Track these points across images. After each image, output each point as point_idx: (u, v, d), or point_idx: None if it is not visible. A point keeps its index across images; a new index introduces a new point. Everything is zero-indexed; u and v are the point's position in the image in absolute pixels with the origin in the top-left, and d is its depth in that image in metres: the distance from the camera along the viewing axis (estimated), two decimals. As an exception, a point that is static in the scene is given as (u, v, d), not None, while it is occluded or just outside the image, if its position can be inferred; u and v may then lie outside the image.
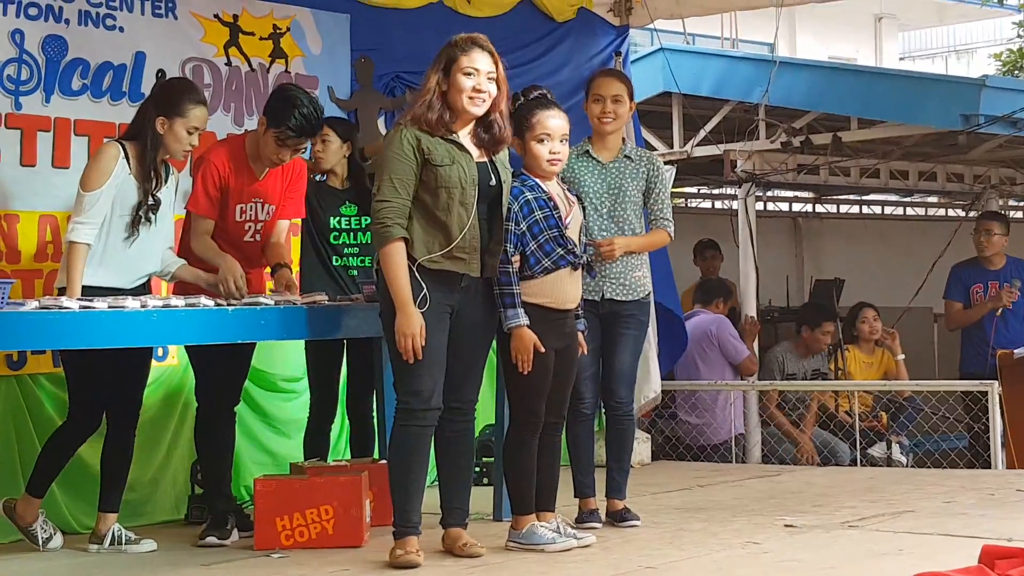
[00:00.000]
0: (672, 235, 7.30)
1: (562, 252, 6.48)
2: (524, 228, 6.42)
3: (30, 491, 6.65)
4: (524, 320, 6.31)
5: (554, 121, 6.54)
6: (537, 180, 6.54)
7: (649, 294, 7.37)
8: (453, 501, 6.42)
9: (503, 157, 6.37)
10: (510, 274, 6.31)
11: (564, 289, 6.53)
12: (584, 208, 6.92)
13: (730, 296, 11.25)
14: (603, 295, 7.18)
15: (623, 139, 7.48)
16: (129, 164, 6.54)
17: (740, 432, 10.52)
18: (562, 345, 6.53)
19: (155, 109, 6.60)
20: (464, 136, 6.26)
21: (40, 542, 6.62)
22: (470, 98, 6.22)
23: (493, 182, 6.25)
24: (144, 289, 6.66)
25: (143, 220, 6.56)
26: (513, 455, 6.58)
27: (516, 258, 6.38)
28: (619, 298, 7.20)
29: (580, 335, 6.66)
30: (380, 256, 6.08)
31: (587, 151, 7.30)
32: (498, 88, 6.29)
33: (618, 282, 7.19)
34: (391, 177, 6.07)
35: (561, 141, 6.55)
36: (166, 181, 6.72)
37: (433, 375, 6.10)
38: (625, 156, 7.29)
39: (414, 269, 6.06)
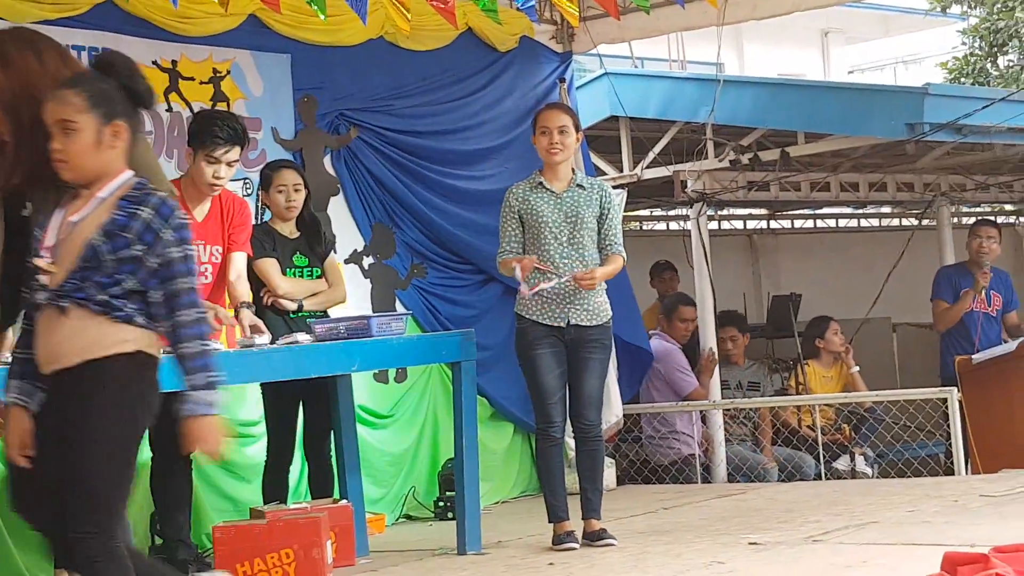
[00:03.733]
0: (624, 260, 7.45)
1: None
2: None
3: None
4: None
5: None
6: None
7: (610, 319, 7.47)
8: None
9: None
10: None
11: None
12: (543, 238, 7.19)
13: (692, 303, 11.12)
14: (568, 321, 7.31)
15: (572, 169, 7.57)
16: None
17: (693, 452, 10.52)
18: None
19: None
20: None
21: None
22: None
23: None
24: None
25: None
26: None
27: None
28: (584, 323, 7.33)
29: None
30: None
31: (540, 182, 7.43)
32: None
33: (582, 308, 7.31)
34: None
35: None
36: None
37: None
38: (577, 185, 7.43)
39: None
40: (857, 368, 11.32)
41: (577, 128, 7.50)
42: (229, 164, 6.97)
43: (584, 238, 7.34)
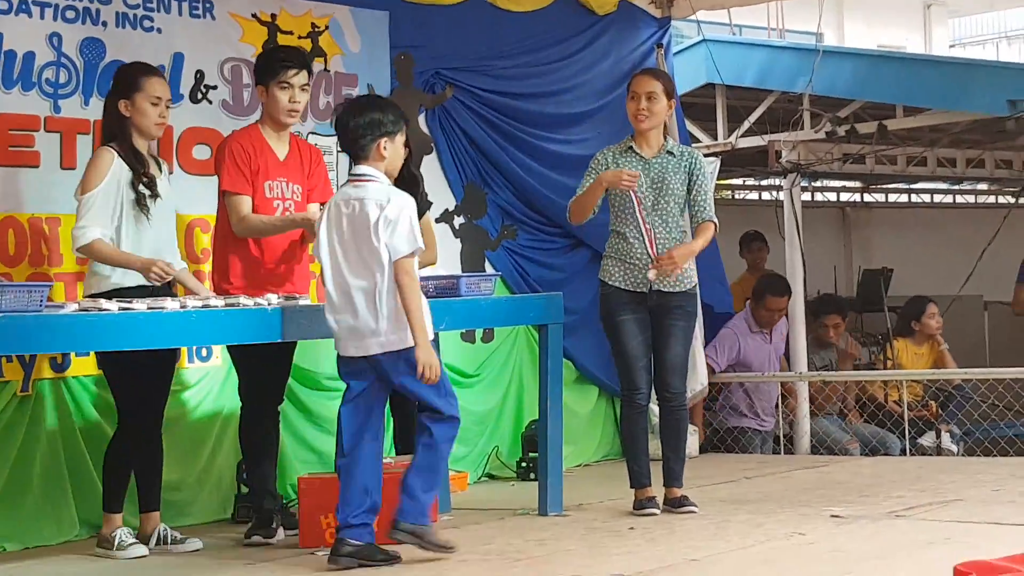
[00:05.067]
0: (716, 227, 7.39)
1: None
2: None
3: (107, 510, 6.69)
4: None
5: None
6: None
7: (695, 286, 7.44)
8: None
9: None
10: None
11: None
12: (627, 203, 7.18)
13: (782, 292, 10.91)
14: (651, 287, 7.26)
15: (665, 136, 7.51)
16: (124, 161, 6.62)
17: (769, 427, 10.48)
18: None
19: (115, 96, 6.70)
20: None
21: (116, 547, 6.57)
22: None
23: None
24: (170, 286, 6.72)
25: (147, 208, 6.61)
26: None
27: None
28: (667, 289, 7.30)
29: None
30: None
31: (630, 147, 7.40)
32: None
33: (667, 274, 7.26)
34: None
35: None
36: (160, 170, 6.82)
37: None
38: (667, 152, 7.39)
39: None
40: (946, 346, 11.24)
41: (669, 95, 7.43)
42: (302, 88, 7.03)
43: (670, 205, 7.29)
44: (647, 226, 7.22)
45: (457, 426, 6.24)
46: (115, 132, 6.70)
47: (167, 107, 6.79)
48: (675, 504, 7.26)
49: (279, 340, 6.32)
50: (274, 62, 7.03)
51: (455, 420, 6.21)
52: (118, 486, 6.71)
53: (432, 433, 6.16)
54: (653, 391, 7.45)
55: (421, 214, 7.63)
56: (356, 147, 6.24)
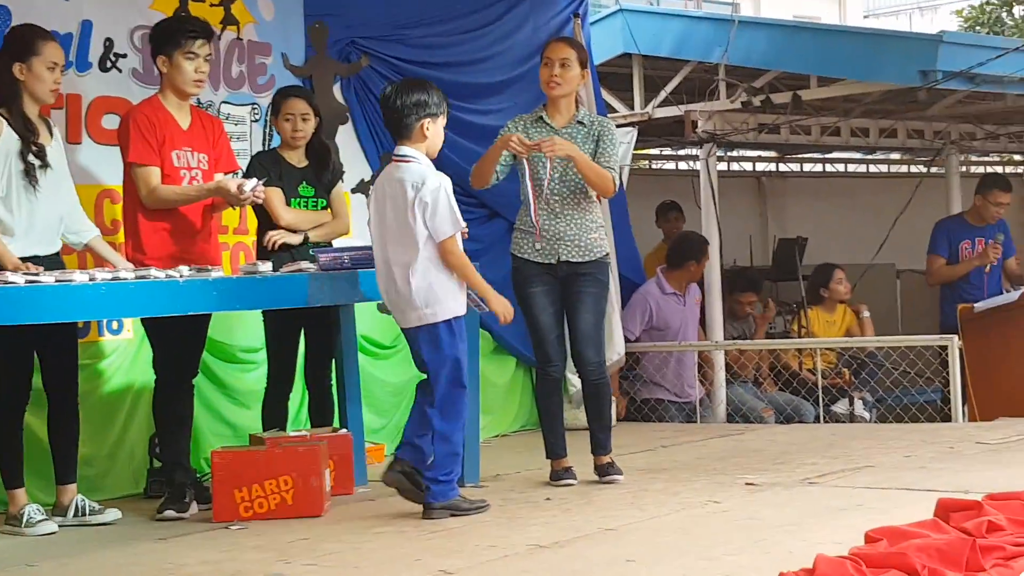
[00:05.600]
0: (616, 183, 7.27)
1: None
2: None
3: (8, 487, 6.59)
4: None
5: None
6: None
7: (607, 255, 7.39)
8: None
9: None
10: None
11: None
12: (536, 172, 7.15)
13: (702, 256, 10.95)
14: (559, 258, 7.24)
15: (578, 106, 7.47)
16: (12, 127, 6.49)
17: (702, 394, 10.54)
18: None
19: (8, 59, 6.55)
20: None
21: (24, 523, 6.48)
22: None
23: None
24: (59, 257, 6.65)
25: (36, 178, 6.49)
26: None
27: None
28: (575, 259, 7.25)
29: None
30: None
31: (541, 116, 7.35)
32: None
33: (573, 244, 7.24)
34: None
35: None
36: (52, 135, 6.69)
37: None
38: (578, 121, 7.33)
39: None
40: (868, 314, 11.37)
41: (583, 64, 7.37)
42: (206, 59, 6.97)
43: (577, 176, 7.20)
44: (534, 193, 7.18)
45: (451, 421, 6.43)
46: (5, 96, 6.54)
47: (61, 73, 6.66)
48: (602, 472, 7.25)
49: (189, 312, 6.26)
50: (179, 32, 6.93)
51: (452, 414, 6.43)
52: (12, 461, 6.61)
53: (433, 425, 6.44)
54: (572, 361, 7.45)
55: (333, 183, 7.64)
56: (400, 126, 6.53)
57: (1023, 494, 5.68)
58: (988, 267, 10.69)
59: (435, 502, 6.36)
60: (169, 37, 6.93)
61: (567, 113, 7.34)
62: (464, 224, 6.45)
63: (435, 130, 6.55)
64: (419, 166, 6.47)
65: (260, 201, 6.98)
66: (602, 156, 7.26)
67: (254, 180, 6.84)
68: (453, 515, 6.33)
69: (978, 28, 22.54)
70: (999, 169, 16.11)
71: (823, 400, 10.38)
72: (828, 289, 11.48)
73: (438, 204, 6.36)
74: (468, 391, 6.56)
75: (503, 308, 6.59)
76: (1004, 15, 22.59)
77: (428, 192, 6.37)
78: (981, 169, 16.02)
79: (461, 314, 6.46)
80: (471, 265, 6.49)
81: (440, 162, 9.35)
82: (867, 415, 10.64)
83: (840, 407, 10.69)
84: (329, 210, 7.62)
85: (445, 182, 6.42)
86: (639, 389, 10.52)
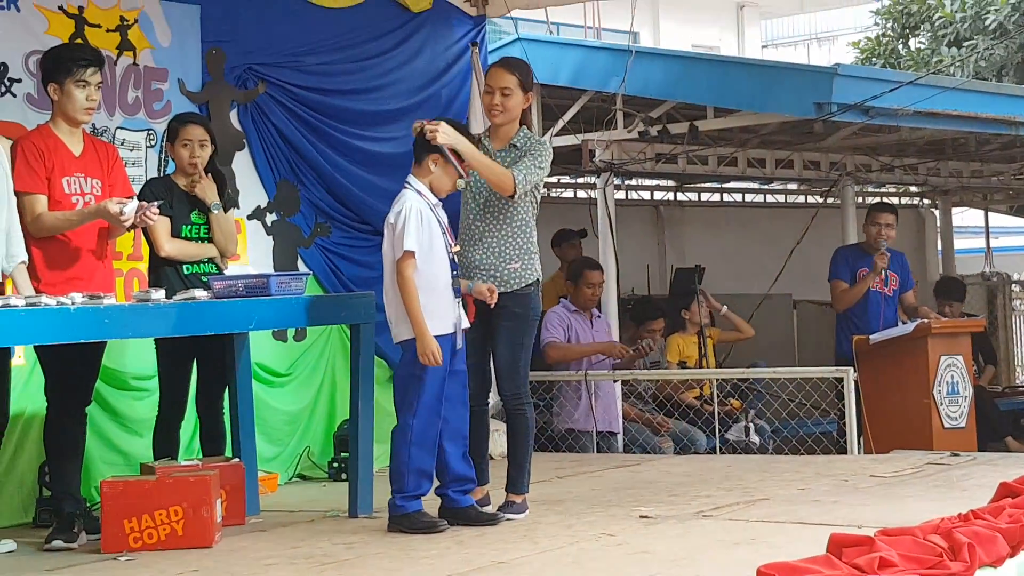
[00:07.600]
0: (516, 182, 7.01)
1: None
2: None
3: None
4: None
5: None
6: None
7: (528, 285, 7.21)
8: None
9: None
10: None
11: None
12: (464, 198, 7.25)
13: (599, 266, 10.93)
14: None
15: (526, 125, 7.31)
16: None
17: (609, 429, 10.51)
18: None
19: None
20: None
21: None
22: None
23: None
24: None
25: None
26: None
27: None
28: None
29: None
30: None
31: (481, 140, 7.27)
32: None
33: (489, 275, 7.13)
34: None
35: None
36: None
37: None
38: (511, 145, 7.22)
39: None
40: (726, 308, 11.45)
41: (526, 88, 7.23)
42: (97, 87, 6.94)
43: (502, 201, 7.08)
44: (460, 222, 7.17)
45: (407, 433, 6.79)
46: None
47: None
48: (502, 507, 7.16)
49: (81, 340, 6.17)
50: (70, 60, 6.89)
51: (405, 427, 6.79)
52: None
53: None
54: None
55: (225, 210, 7.57)
56: (415, 154, 6.88)
57: (915, 529, 5.72)
58: (880, 273, 10.68)
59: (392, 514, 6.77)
60: (60, 65, 6.88)
61: (505, 138, 7.23)
62: (409, 247, 6.64)
63: (441, 170, 6.81)
64: (409, 192, 6.78)
65: (152, 223, 6.92)
66: (517, 161, 7.11)
67: (135, 202, 6.76)
68: (402, 531, 6.69)
69: (874, 60, 22.83)
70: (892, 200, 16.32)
71: (719, 431, 10.42)
72: (689, 311, 11.53)
73: (396, 226, 6.68)
74: (428, 413, 6.77)
75: (430, 351, 6.67)
76: (900, 47, 22.89)
77: (394, 214, 6.72)
78: (876, 200, 16.22)
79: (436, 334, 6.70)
80: (414, 292, 6.66)
81: (337, 189, 9.39)
82: (757, 439, 10.65)
83: (733, 434, 10.73)
84: (213, 244, 7.54)
85: (407, 205, 6.70)
86: (556, 423, 10.45)
